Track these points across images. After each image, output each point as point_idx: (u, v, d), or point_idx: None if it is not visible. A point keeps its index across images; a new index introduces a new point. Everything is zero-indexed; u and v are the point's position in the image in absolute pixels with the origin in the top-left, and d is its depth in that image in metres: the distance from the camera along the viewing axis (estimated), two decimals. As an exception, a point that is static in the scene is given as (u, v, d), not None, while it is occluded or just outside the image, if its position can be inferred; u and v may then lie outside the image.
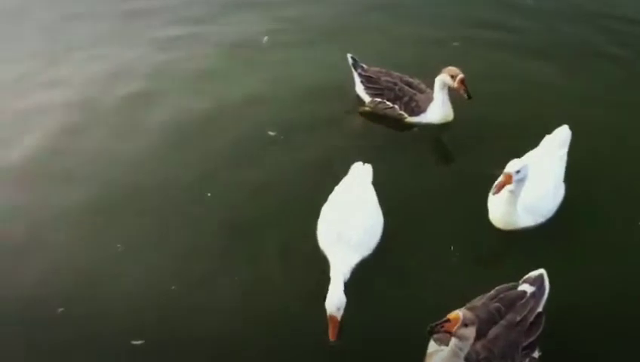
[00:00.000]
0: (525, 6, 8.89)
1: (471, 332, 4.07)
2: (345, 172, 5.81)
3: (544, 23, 8.55)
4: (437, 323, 4.00)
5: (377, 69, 7.03)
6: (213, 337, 4.87)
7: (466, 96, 6.37)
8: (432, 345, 4.40)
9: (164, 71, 7.97)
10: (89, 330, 4.92)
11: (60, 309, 5.06)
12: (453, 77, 6.35)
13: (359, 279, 5.07)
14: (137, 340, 4.81)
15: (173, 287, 5.21)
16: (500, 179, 5.19)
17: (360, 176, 5.70)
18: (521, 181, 5.24)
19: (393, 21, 8.63)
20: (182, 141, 6.79)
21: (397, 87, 6.78)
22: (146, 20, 8.98)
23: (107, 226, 5.80)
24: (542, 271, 4.72)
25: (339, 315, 4.63)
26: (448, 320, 3.99)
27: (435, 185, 6.08)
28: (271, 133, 6.78)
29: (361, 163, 5.83)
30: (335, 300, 4.64)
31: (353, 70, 7.07)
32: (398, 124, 6.82)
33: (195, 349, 4.79)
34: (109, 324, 4.96)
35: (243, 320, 4.98)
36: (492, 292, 4.56)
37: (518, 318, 4.37)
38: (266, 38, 8.37)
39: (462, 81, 6.32)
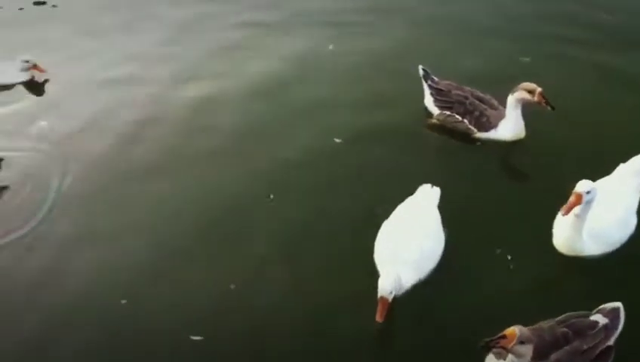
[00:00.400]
0: (599, 18, 8.61)
1: (527, 349, 3.96)
2: (405, 186, 5.66)
3: (620, 34, 8.23)
4: (492, 338, 3.93)
5: (448, 82, 6.87)
6: (272, 337, 4.80)
7: (549, 108, 6.19)
8: (491, 358, 4.26)
9: (230, 66, 8.12)
10: (150, 323, 4.92)
11: (123, 301, 5.08)
12: (530, 92, 6.17)
13: (416, 289, 4.94)
14: (196, 336, 4.78)
15: (232, 286, 5.17)
16: (570, 199, 4.95)
17: (427, 198, 5.51)
18: (588, 204, 4.99)
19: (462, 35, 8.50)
20: (244, 138, 6.83)
21: (468, 101, 6.60)
22: (216, 16, 9.21)
23: (172, 223, 5.80)
24: (618, 304, 4.48)
25: (390, 298, 4.55)
26: (504, 336, 3.92)
27: (500, 202, 5.87)
28: (337, 140, 6.70)
29: (429, 185, 5.63)
30: (388, 284, 4.57)
31: (423, 82, 6.93)
32: (465, 138, 6.64)
33: (253, 348, 4.74)
34: (169, 318, 4.94)
35: (301, 320, 4.90)
36: (562, 316, 4.36)
37: (585, 347, 4.17)
38: (331, 46, 8.31)
39: (542, 94, 6.15)
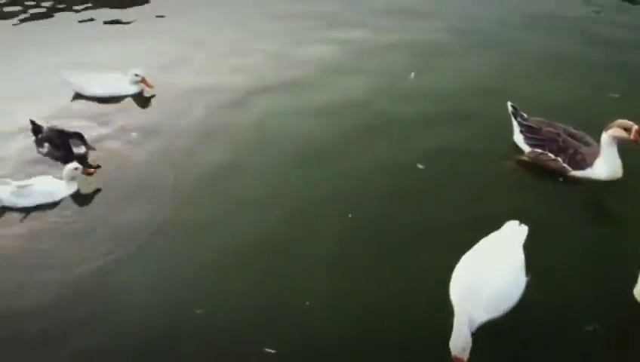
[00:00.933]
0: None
1: None
2: (488, 221, 5.20)
3: None
4: None
5: (539, 118, 6.46)
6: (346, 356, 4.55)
7: None
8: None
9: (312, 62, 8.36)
10: (224, 334, 4.74)
11: (199, 311, 4.92)
12: (626, 129, 5.70)
13: (489, 332, 4.50)
14: (271, 349, 4.58)
15: (307, 303, 4.94)
16: None
17: (512, 235, 5.04)
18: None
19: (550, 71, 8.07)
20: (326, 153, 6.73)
21: (560, 139, 6.16)
22: (312, 21, 9.51)
23: (251, 233, 5.65)
24: None
25: (465, 356, 4.15)
26: None
27: (589, 246, 5.34)
28: (420, 166, 6.40)
29: (517, 222, 5.14)
30: (460, 341, 4.17)
31: (512, 118, 6.54)
32: (555, 176, 6.16)
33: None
34: (244, 329, 4.77)
35: (378, 337, 4.64)
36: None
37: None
38: (413, 73, 8.05)
39: (638, 132, 5.67)
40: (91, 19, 10.33)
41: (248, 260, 5.38)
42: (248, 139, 7.01)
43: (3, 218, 6.02)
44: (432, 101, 7.50)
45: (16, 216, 6.03)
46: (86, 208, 6.15)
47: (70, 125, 6.97)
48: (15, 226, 5.93)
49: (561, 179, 6.14)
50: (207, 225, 5.80)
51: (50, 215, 6.06)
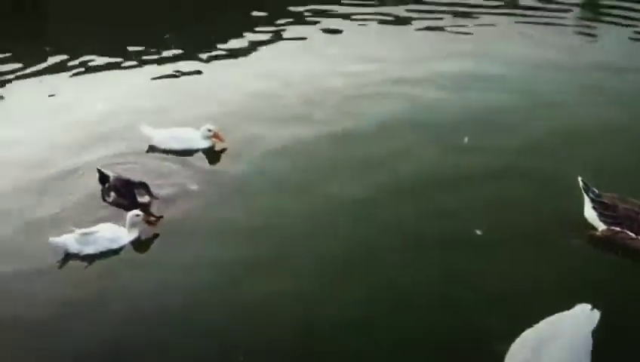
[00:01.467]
0: None
1: None
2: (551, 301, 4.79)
3: None
4: None
5: (612, 194, 5.94)
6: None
7: None
8: None
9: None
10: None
11: (240, 359, 4.68)
12: None
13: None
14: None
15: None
16: None
17: (582, 319, 4.54)
18: None
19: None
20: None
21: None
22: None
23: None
24: None
25: None
26: None
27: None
28: (478, 232, 6.00)
29: (589, 306, 4.63)
30: None
31: (584, 194, 6.01)
32: (633, 255, 5.61)
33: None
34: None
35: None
36: None
37: None
38: (466, 138, 7.67)
39: None
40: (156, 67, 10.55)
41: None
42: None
43: (68, 265, 6.03)
44: (490, 160, 7.16)
45: (80, 263, 6.03)
46: (145, 254, 6.15)
47: (138, 175, 7.01)
48: (79, 272, 5.94)
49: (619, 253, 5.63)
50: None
51: (112, 260, 6.06)
